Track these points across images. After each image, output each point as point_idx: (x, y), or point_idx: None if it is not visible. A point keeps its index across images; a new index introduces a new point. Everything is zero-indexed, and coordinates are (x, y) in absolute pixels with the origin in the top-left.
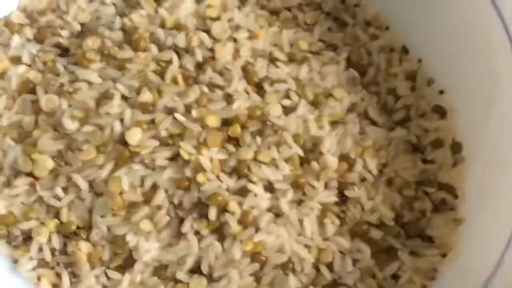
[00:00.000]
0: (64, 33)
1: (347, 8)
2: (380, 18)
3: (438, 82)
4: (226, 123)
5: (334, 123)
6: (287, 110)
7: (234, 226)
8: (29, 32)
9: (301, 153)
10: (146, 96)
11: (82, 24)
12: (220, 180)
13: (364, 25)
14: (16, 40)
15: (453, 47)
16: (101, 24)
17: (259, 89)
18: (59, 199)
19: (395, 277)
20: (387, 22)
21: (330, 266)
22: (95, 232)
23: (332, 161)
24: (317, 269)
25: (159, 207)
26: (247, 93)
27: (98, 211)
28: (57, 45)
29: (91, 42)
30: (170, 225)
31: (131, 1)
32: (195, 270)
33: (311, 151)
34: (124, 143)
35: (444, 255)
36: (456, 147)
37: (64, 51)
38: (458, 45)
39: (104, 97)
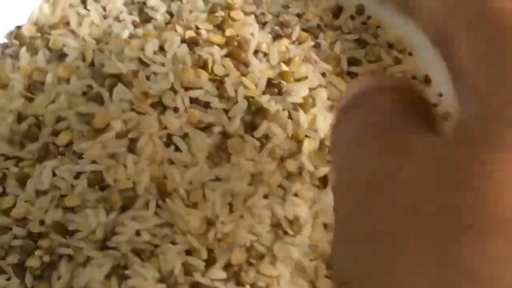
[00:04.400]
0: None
1: (368, 29)
2: (403, 42)
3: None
4: None
5: None
6: None
7: None
8: (40, 45)
9: None
10: None
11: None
12: None
13: (387, 47)
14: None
15: None
16: None
17: None
18: None
19: None
20: (410, 47)
21: None
22: None
23: None
24: None
25: None
26: None
27: None
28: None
29: None
30: None
31: (146, 16)
32: None
33: None
34: None
35: None
36: None
37: None
38: None
39: None
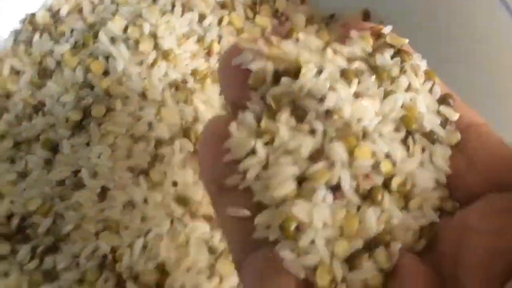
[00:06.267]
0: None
1: None
2: None
3: None
4: None
5: None
6: None
7: None
8: (53, 32)
9: None
10: None
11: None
12: None
13: None
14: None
15: None
16: None
17: None
18: None
19: None
20: None
21: None
22: None
23: None
24: None
25: None
26: None
27: None
28: None
29: None
30: None
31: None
32: None
33: None
34: None
35: None
36: None
37: None
38: None
39: None
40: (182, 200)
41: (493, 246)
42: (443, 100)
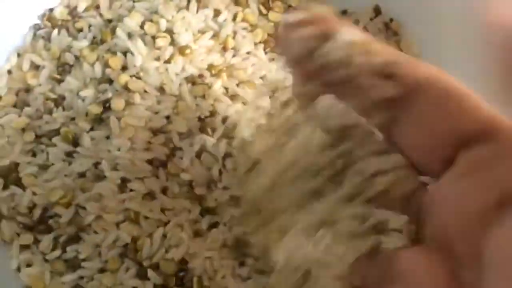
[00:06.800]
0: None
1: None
2: None
3: None
4: None
5: None
6: None
7: None
8: (71, 28)
9: None
10: None
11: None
12: None
13: None
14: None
15: None
16: None
17: None
18: None
19: None
20: None
21: None
22: None
23: None
24: None
25: None
26: None
27: None
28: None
29: None
30: None
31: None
32: None
33: None
34: None
35: None
36: None
37: None
38: None
39: None
40: (198, 194)
41: (461, 211)
42: None
